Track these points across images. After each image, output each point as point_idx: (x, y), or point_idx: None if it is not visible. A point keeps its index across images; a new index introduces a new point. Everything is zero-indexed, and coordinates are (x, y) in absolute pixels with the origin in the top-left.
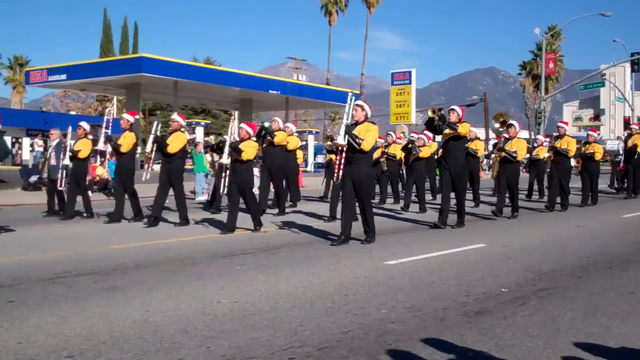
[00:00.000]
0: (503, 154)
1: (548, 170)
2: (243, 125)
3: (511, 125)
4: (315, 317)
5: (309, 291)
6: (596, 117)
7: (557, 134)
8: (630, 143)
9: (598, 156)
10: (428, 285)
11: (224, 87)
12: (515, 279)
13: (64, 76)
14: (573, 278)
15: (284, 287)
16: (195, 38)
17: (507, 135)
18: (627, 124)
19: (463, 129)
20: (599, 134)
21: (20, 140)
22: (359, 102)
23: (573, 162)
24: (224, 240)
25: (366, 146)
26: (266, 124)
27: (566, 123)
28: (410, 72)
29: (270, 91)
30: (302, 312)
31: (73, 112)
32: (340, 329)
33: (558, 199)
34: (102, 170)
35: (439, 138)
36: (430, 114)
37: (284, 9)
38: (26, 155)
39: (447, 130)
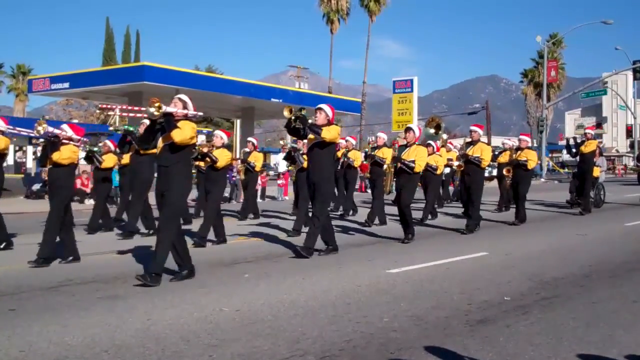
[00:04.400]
0: (398, 164)
1: (457, 182)
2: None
3: (410, 129)
4: (318, 325)
5: (312, 299)
6: (598, 125)
7: (470, 139)
8: (584, 149)
9: (531, 164)
10: (430, 293)
11: (226, 96)
12: (517, 288)
13: (66, 84)
14: (576, 287)
15: (286, 296)
16: (197, 46)
17: (402, 141)
18: (629, 132)
19: (328, 133)
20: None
21: (23, 148)
22: (180, 95)
23: (503, 171)
24: (226, 248)
25: (177, 136)
26: (131, 128)
27: (481, 127)
28: (412, 80)
29: (272, 99)
30: (305, 321)
31: (75, 121)
32: (343, 338)
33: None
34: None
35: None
36: (285, 114)
37: (286, 18)
38: (29, 163)
39: (311, 135)
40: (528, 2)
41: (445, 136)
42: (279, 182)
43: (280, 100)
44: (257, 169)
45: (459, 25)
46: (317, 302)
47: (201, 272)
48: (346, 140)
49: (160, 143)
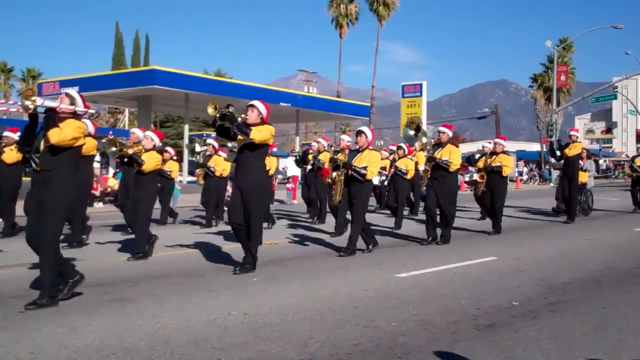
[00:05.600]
0: (347, 172)
1: (424, 188)
2: None
3: (361, 132)
4: (326, 329)
5: (319, 303)
6: (608, 130)
7: (438, 141)
8: (568, 152)
9: (507, 170)
10: (439, 298)
11: (235, 99)
12: (526, 293)
13: (76, 88)
14: (584, 292)
15: (294, 299)
16: (206, 50)
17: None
18: (639, 136)
19: (258, 134)
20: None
21: None
22: (69, 90)
23: (476, 177)
24: (234, 252)
25: (53, 136)
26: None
27: (450, 127)
28: (421, 85)
29: (281, 103)
30: (313, 325)
31: None
32: (351, 342)
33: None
34: (113, 182)
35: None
36: (210, 111)
37: (295, 22)
38: None
39: (240, 136)
40: (538, 7)
41: (425, 139)
42: (288, 185)
43: (289, 105)
44: (217, 173)
45: (469, 29)
46: (325, 306)
47: (209, 275)
48: (317, 142)
49: (42, 144)
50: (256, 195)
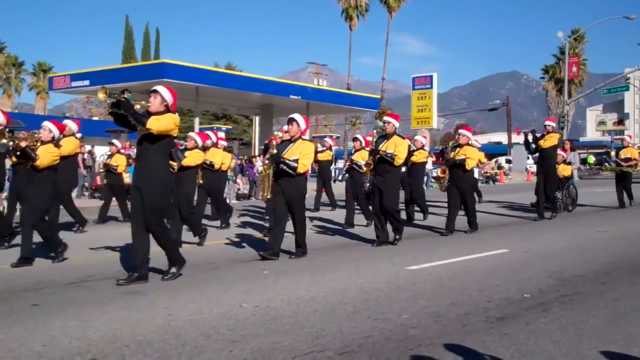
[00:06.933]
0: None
1: (368, 185)
2: None
3: (293, 120)
4: (337, 321)
5: (330, 296)
6: (620, 122)
7: (384, 131)
8: (543, 143)
9: (471, 163)
10: (450, 290)
11: (245, 93)
12: (537, 285)
13: (86, 82)
14: (596, 284)
15: (305, 292)
16: (216, 44)
17: (279, 138)
18: None
19: (156, 123)
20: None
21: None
22: None
23: (438, 172)
24: (245, 245)
25: None
26: None
27: (396, 117)
28: (431, 77)
29: (291, 96)
30: (324, 317)
31: (95, 118)
32: (362, 334)
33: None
34: (125, 176)
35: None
36: (100, 97)
37: (305, 14)
38: None
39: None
40: None
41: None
42: None
43: (299, 97)
44: (120, 170)
45: (480, 20)
46: (336, 299)
47: (220, 268)
48: (275, 134)
49: None
50: (155, 195)
